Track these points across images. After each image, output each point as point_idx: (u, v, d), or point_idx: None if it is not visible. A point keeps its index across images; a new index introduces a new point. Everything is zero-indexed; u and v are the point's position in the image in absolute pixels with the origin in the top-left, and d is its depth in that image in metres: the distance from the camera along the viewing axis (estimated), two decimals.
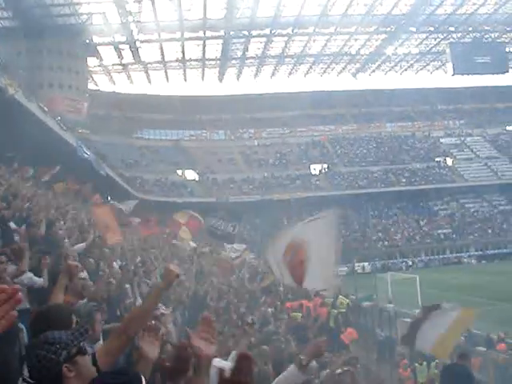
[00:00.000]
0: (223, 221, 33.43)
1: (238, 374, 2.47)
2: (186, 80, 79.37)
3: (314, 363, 9.64)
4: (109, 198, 33.24)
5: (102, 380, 2.27)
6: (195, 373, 2.62)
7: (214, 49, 70.01)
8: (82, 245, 11.17)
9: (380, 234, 61.97)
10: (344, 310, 20.00)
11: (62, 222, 12.84)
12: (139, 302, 8.83)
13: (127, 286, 9.68)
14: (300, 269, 6.15)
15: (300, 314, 15.24)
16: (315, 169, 70.43)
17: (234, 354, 5.04)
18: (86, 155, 37.37)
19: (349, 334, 15.72)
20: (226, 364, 4.04)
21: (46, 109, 35.38)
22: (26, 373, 3.27)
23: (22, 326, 5.19)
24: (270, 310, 12.24)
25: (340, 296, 19.88)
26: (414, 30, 70.39)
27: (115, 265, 11.12)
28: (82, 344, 2.67)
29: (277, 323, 10.92)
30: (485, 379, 13.42)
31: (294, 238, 6.30)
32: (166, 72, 75.61)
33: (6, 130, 24.63)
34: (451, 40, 74.18)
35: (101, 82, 75.40)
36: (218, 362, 4.57)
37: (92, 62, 65.79)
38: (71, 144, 36.55)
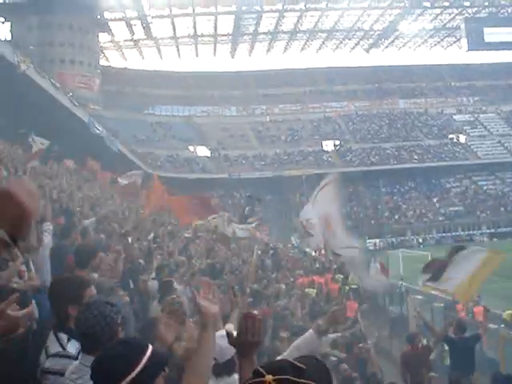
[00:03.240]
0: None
1: (245, 334, 2.50)
2: (197, 56, 79.22)
3: (328, 337, 9.72)
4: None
5: (103, 351, 2.30)
6: (203, 329, 2.72)
7: (226, 24, 69.63)
8: (92, 220, 11.18)
9: (392, 211, 61.82)
10: (355, 286, 20.04)
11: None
12: (153, 275, 8.86)
13: (141, 261, 9.74)
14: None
15: (314, 290, 15.30)
16: (327, 145, 70.05)
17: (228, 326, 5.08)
18: (97, 131, 37.46)
19: (350, 307, 15.78)
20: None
21: (57, 85, 35.38)
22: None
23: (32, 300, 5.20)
24: (282, 285, 12.31)
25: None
26: (428, 4, 69.57)
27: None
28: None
29: (291, 299, 10.99)
30: (494, 356, 13.39)
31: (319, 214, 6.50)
32: (177, 48, 75.40)
33: (18, 106, 24.70)
34: (466, 15, 73.23)
35: (112, 58, 75.44)
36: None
37: (103, 37, 65.67)
38: (83, 120, 36.61)
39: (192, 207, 15.87)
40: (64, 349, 3.20)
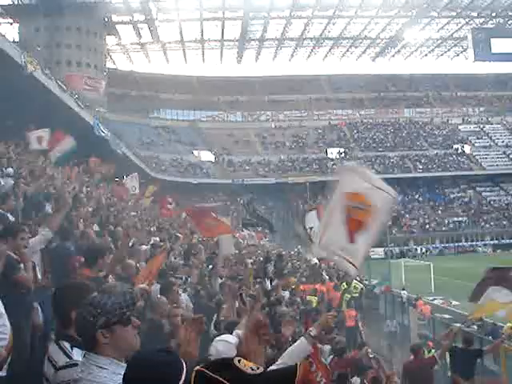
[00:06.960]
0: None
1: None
2: (204, 61, 79.26)
3: (326, 347, 9.63)
4: (124, 178, 33.28)
5: (140, 356, 2.23)
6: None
7: (233, 30, 69.70)
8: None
9: (395, 220, 61.60)
10: (357, 295, 20.01)
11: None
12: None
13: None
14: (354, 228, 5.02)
15: (316, 298, 15.22)
16: (332, 153, 70.07)
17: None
18: (102, 134, 37.43)
19: (349, 316, 15.72)
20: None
21: (64, 87, 35.39)
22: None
23: (36, 304, 5.17)
24: (286, 292, 12.24)
25: (354, 281, 19.87)
26: (435, 14, 69.57)
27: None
28: (125, 314, 2.68)
29: (293, 307, 10.89)
30: (496, 369, 13.29)
31: (365, 193, 5.16)
32: (184, 52, 75.49)
33: (24, 108, 24.70)
34: (473, 25, 73.20)
35: (119, 61, 75.54)
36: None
37: (110, 40, 65.79)
38: (88, 122, 36.60)
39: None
40: (70, 357, 3.16)
